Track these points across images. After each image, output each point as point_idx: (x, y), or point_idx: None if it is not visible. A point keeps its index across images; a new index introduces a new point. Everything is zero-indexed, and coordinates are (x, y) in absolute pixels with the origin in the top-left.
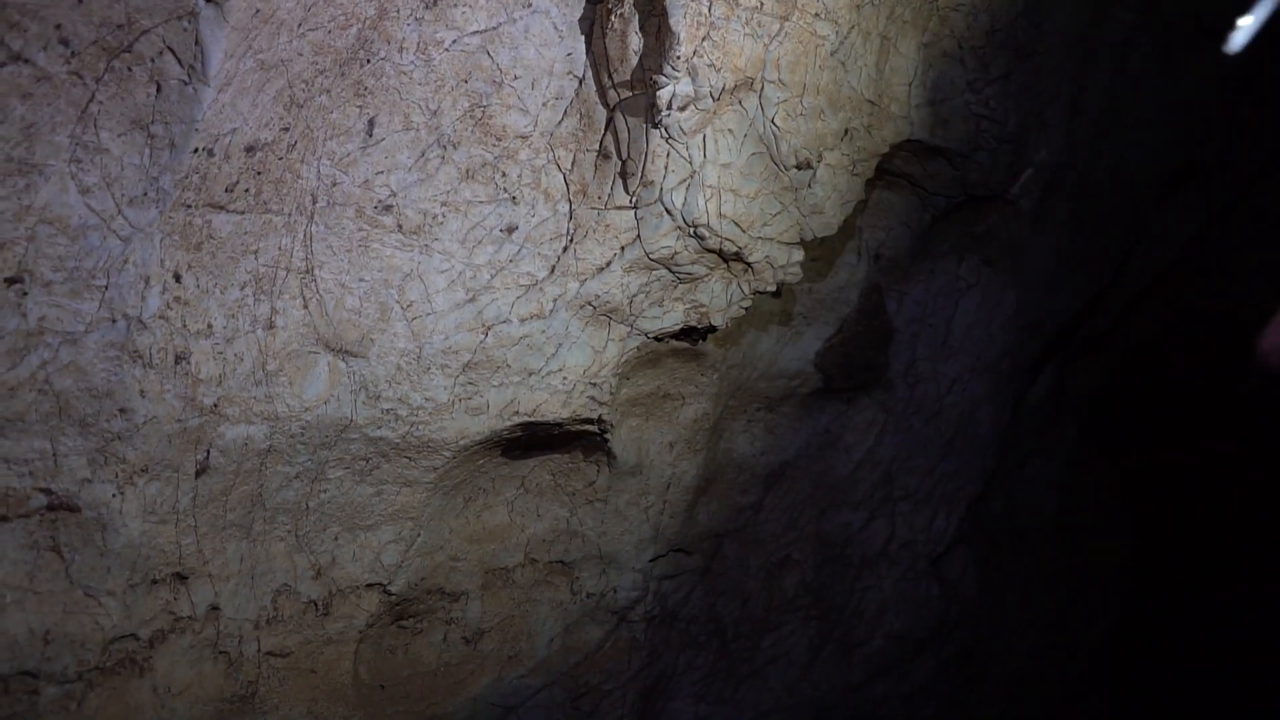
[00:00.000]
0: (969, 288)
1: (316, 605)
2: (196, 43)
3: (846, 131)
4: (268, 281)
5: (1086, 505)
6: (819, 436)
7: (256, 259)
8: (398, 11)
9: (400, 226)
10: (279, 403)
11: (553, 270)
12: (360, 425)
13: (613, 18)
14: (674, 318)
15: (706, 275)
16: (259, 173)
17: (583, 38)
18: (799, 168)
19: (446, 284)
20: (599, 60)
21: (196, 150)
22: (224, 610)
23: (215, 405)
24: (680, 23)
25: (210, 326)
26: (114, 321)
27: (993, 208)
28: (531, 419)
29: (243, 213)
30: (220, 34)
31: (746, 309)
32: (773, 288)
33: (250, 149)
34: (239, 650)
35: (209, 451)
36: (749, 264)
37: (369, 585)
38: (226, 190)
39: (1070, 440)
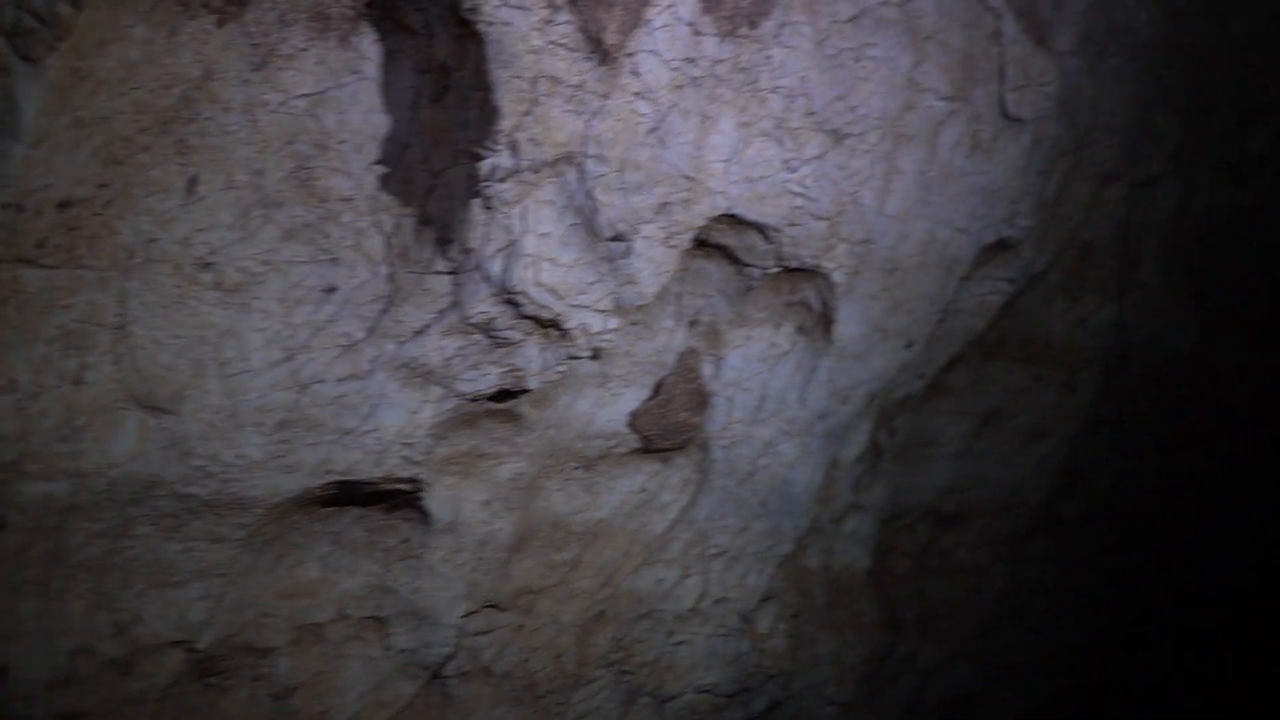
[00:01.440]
0: (784, 355)
1: (116, 664)
2: (8, 99)
3: (664, 205)
4: (78, 337)
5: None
6: (635, 495)
7: (67, 314)
8: (224, 72)
9: (219, 284)
10: (85, 459)
11: (371, 331)
12: (170, 482)
13: (438, 89)
14: (490, 380)
15: (523, 340)
16: (73, 228)
17: (410, 105)
18: (616, 239)
19: (264, 342)
20: (424, 129)
21: (5, 205)
22: (13, 671)
23: (15, 462)
24: (503, 98)
25: (14, 382)
26: None
27: (807, 280)
28: (345, 477)
29: (54, 268)
30: (35, 91)
31: (562, 373)
32: (588, 353)
33: (64, 204)
34: (28, 712)
35: (7, 509)
36: (565, 330)
37: (173, 643)
38: (37, 245)
39: (885, 496)
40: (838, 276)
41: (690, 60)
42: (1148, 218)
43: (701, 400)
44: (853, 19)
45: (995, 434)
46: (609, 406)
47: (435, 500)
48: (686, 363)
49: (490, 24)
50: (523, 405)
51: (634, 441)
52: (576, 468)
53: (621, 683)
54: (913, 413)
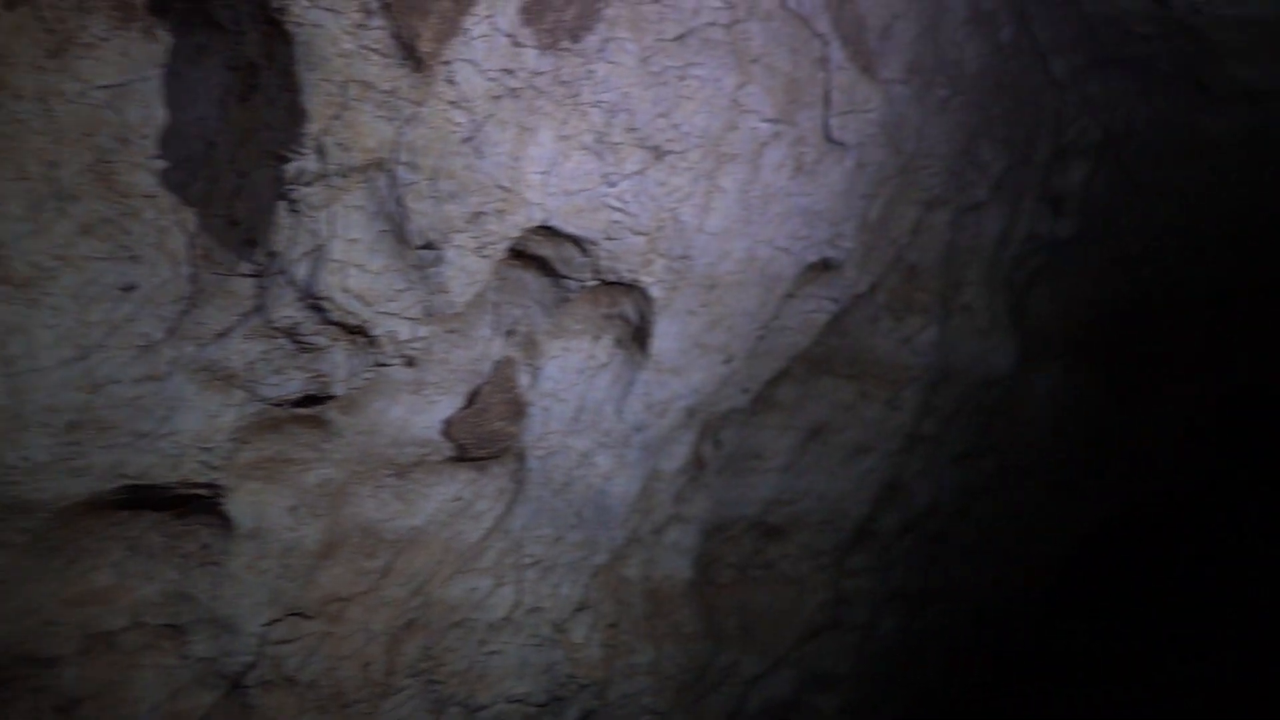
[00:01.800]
0: (602, 367)
1: None
2: None
3: (478, 215)
4: None
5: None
6: (450, 503)
7: None
8: (15, 58)
9: (6, 278)
10: None
11: (171, 332)
12: None
13: (247, 88)
14: (295, 385)
15: (329, 346)
16: None
17: (218, 103)
18: (426, 247)
19: (54, 340)
20: (231, 128)
21: None
22: None
23: None
24: (311, 100)
25: None
26: None
27: (625, 294)
28: (139, 482)
29: None
30: None
31: (370, 379)
32: (398, 361)
33: None
34: None
35: None
36: (372, 337)
37: None
38: None
39: (708, 508)
40: (656, 291)
41: (509, 71)
42: (972, 243)
43: (518, 410)
44: (678, 38)
45: (821, 448)
46: (423, 414)
47: (237, 506)
48: (503, 372)
49: (299, 24)
50: (330, 411)
51: (449, 450)
52: (389, 475)
53: (431, 692)
54: (739, 426)
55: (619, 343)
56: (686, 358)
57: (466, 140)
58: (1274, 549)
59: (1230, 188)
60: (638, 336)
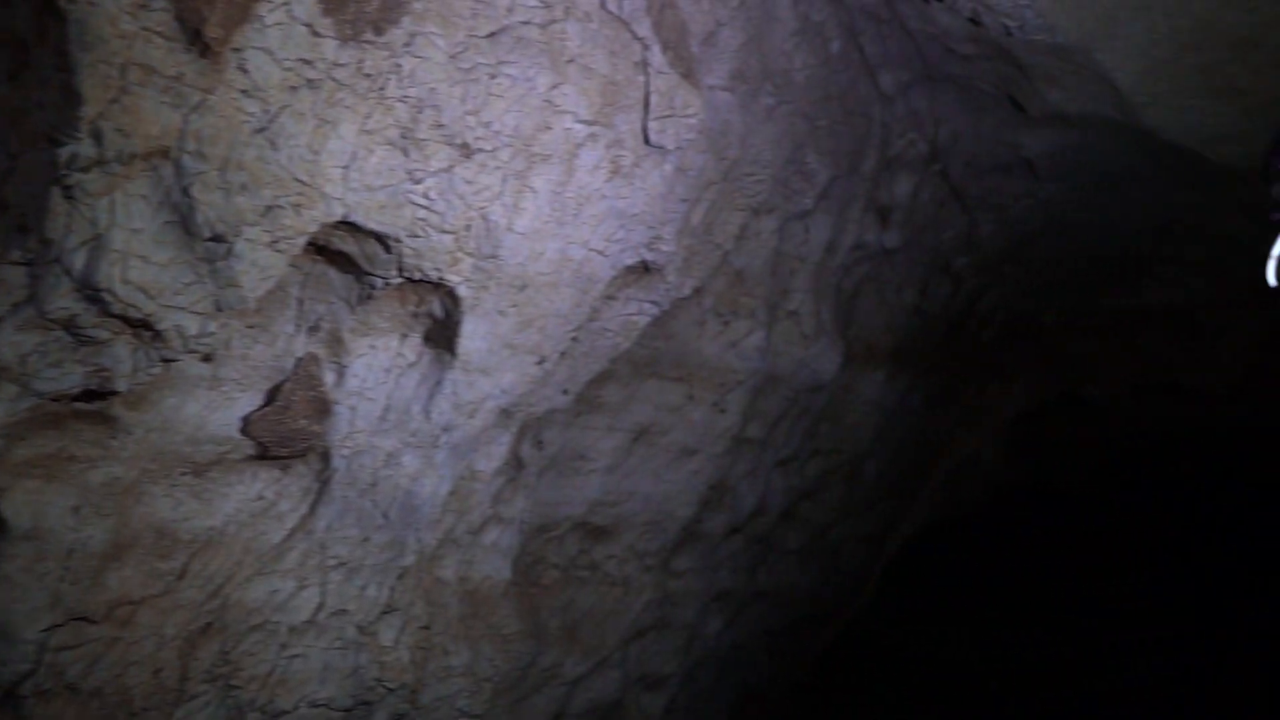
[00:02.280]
0: (410, 366)
1: None
2: None
3: (271, 208)
4: None
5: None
6: (251, 503)
7: None
8: None
9: None
10: None
11: None
12: None
13: (17, 65)
14: (73, 380)
15: (111, 340)
16: None
17: None
18: (215, 240)
19: None
20: (3, 107)
21: None
22: None
23: None
24: (86, 83)
25: None
26: None
27: (433, 292)
28: None
29: None
30: None
31: (156, 375)
32: (187, 356)
33: None
34: None
35: None
36: (158, 331)
37: None
38: None
39: (529, 509)
40: (463, 291)
41: (307, 62)
42: (799, 250)
43: (323, 408)
44: (490, 35)
45: (646, 450)
46: (222, 410)
47: (12, 506)
48: (307, 369)
49: (72, 1)
50: (116, 407)
51: (249, 448)
52: (185, 473)
53: (228, 698)
54: (562, 427)
55: (427, 341)
56: (496, 358)
57: (260, 131)
58: (1089, 549)
59: (1046, 204)
60: (446, 336)
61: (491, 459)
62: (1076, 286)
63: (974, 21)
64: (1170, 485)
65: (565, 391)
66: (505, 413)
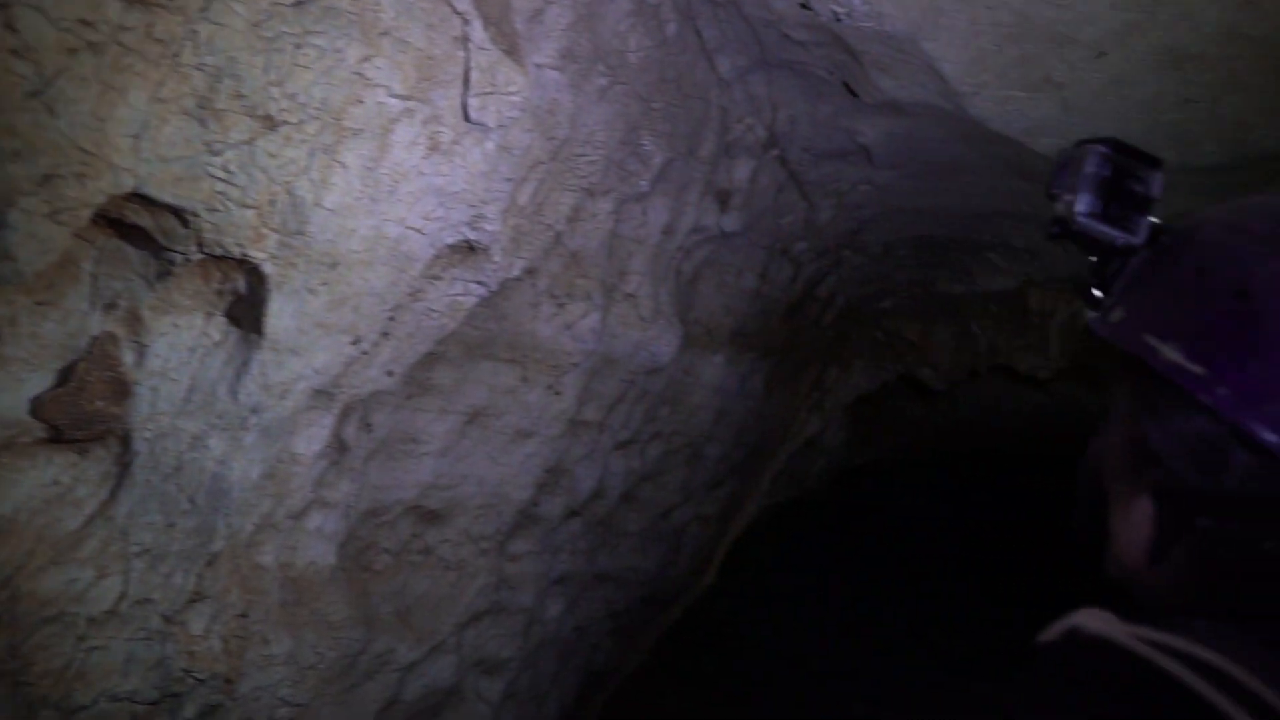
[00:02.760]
0: (216, 345)
1: None
2: None
3: (50, 177)
4: None
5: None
6: (45, 489)
7: None
8: None
9: None
10: None
11: None
12: None
13: None
14: None
15: None
16: None
17: None
18: None
19: None
20: None
21: None
22: None
23: None
24: None
25: None
26: None
27: (237, 269)
28: None
29: None
30: None
31: None
32: None
33: None
34: None
35: None
36: None
37: None
38: None
39: (355, 493)
40: (269, 268)
41: (87, 23)
42: (636, 233)
43: (122, 389)
44: (297, 4)
45: (481, 433)
46: (9, 391)
47: None
48: (104, 348)
49: None
50: None
51: (40, 431)
52: None
53: (19, 695)
54: (392, 410)
55: (233, 320)
56: (307, 338)
57: (34, 95)
58: (931, 528)
59: (882, 191)
60: (253, 314)
61: (311, 441)
62: (912, 272)
63: (804, 6)
64: (1008, 464)
65: (390, 373)
66: (322, 394)
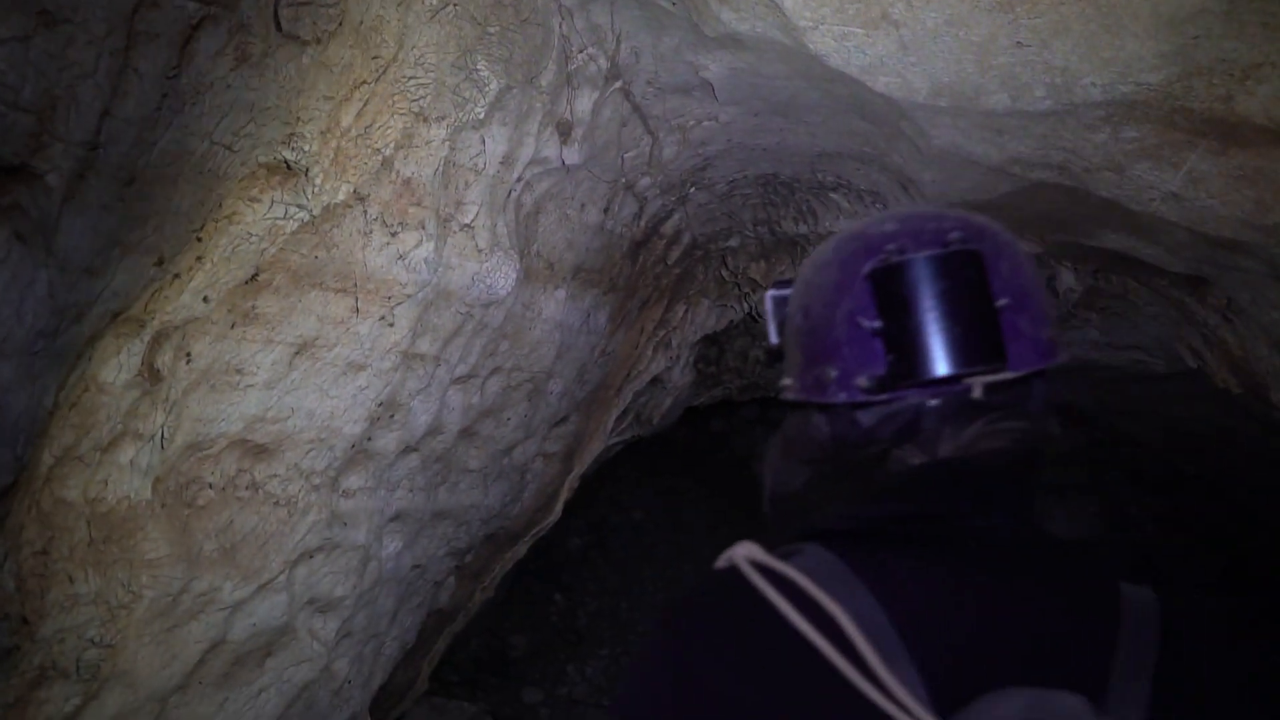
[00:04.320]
0: (0, 264)
1: None
2: None
3: None
4: None
5: None
6: None
7: None
8: None
9: None
10: None
11: None
12: None
13: None
14: None
15: None
16: None
17: None
18: None
19: None
20: None
21: None
22: None
23: None
24: None
25: None
26: None
27: (19, 180)
28: None
29: None
30: None
31: None
32: None
33: None
34: None
35: None
36: None
37: None
38: None
39: (172, 425)
40: (53, 180)
41: None
42: (473, 162)
43: None
44: None
45: (310, 364)
46: None
47: None
48: None
49: None
50: None
51: None
52: None
53: None
54: (213, 339)
55: (18, 238)
56: (104, 258)
57: None
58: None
59: (727, 127)
60: (40, 231)
61: (120, 369)
62: (758, 211)
63: None
64: None
65: (206, 299)
66: (129, 319)
